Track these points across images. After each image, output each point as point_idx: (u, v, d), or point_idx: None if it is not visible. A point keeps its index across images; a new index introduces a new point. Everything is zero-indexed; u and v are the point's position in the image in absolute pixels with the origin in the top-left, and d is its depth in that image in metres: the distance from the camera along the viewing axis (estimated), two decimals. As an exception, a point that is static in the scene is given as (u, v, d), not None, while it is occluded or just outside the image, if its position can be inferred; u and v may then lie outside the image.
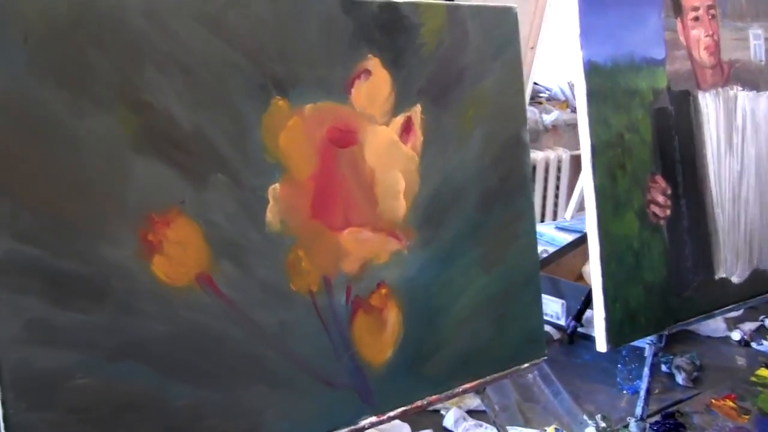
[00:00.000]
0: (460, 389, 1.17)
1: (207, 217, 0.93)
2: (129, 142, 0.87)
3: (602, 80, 1.27)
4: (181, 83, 0.90)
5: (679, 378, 1.64)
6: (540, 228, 2.28)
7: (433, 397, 1.14)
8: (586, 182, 1.25)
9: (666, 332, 1.38)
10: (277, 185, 0.98)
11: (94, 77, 0.85)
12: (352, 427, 1.05)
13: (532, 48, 2.13)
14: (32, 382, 0.82)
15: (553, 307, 1.77)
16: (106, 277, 0.86)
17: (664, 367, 1.68)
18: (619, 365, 1.60)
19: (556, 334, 1.77)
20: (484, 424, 1.40)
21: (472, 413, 1.45)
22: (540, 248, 2.16)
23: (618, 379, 1.60)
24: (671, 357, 1.69)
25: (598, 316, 1.26)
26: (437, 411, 1.47)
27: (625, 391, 1.58)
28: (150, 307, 0.89)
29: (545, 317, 1.79)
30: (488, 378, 1.19)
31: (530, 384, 1.58)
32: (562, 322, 1.77)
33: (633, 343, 1.47)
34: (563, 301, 1.76)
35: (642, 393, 1.39)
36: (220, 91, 0.94)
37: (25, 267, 0.81)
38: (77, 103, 0.84)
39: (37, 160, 0.82)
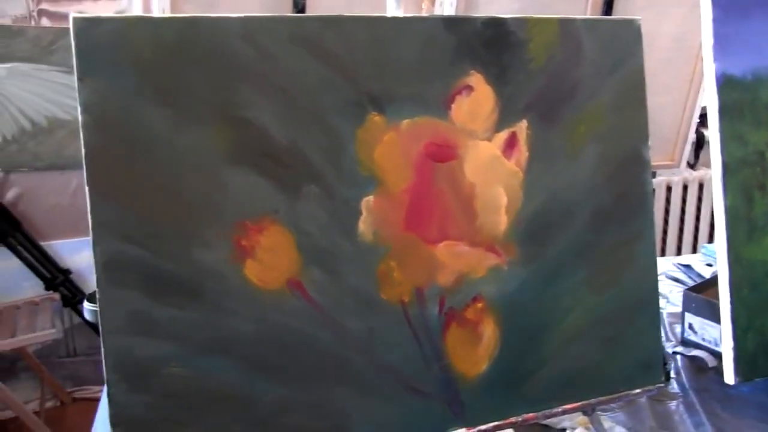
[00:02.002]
0: (560, 409, 1.14)
1: (299, 225, 0.99)
2: (226, 155, 0.95)
3: (739, 94, 1.18)
4: (276, 101, 0.97)
5: None
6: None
7: (530, 414, 1.13)
8: (716, 203, 1.18)
9: (815, 369, 1.26)
10: (371, 197, 1.02)
11: (195, 96, 0.94)
12: (440, 437, 1.08)
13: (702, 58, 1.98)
14: (132, 367, 0.92)
15: (711, 333, 1.66)
16: (201, 278, 0.95)
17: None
18: (775, 401, 1.47)
19: (711, 362, 1.65)
20: (609, 449, 1.36)
21: (600, 436, 1.41)
22: (713, 269, 2.05)
23: (774, 416, 1.47)
24: None
25: (726, 345, 1.19)
26: (564, 430, 1.44)
27: (780, 430, 1.45)
28: (241, 307, 0.97)
29: (702, 342, 1.69)
30: (593, 400, 1.16)
31: (671, 411, 1.49)
32: (720, 348, 1.66)
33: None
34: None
35: (785, 434, 1.28)
36: (315, 107, 0.99)
37: (129, 265, 0.92)
38: (179, 119, 0.93)
39: (142, 171, 0.92)
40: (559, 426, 1.45)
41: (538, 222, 1.12)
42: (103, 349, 0.91)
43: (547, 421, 1.41)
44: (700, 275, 2.01)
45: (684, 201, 2.94)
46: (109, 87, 0.90)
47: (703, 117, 2.58)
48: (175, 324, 0.94)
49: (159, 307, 0.93)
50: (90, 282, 2.96)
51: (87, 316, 1.31)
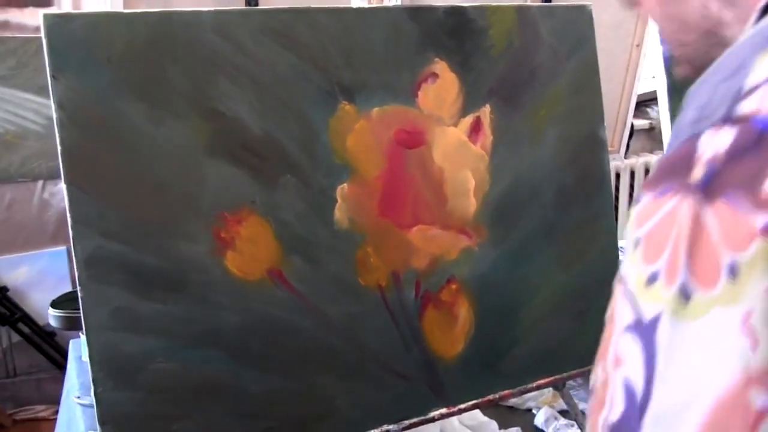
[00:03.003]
0: (535, 384, 1.18)
1: (277, 215, 1.00)
2: (203, 148, 0.95)
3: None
4: (251, 92, 0.98)
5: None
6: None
7: (506, 391, 1.16)
8: (669, 179, 1.23)
9: None
10: (345, 185, 1.04)
11: (170, 90, 0.94)
12: (422, 417, 1.09)
13: (637, 45, 2.07)
14: (118, 363, 0.92)
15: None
16: (184, 271, 0.95)
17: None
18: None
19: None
20: (576, 425, 1.40)
21: (565, 414, 1.45)
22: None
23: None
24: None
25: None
26: (529, 410, 1.47)
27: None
28: (224, 299, 0.97)
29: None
30: (565, 374, 1.20)
31: (630, 385, 1.55)
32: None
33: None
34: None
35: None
36: (288, 98, 1.00)
37: (111, 261, 0.91)
38: (155, 113, 0.93)
39: (121, 166, 0.92)
40: (524, 407, 1.49)
41: (506, 204, 1.16)
42: (87, 347, 0.91)
43: (512, 402, 1.45)
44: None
45: (617, 189, 3.04)
46: (83, 83, 0.89)
47: (637, 105, 2.68)
48: (160, 318, 0.94)
49: (143, 302, 0.93)
50: (28, 299, 2.87)
51: (52, 322, 1.28)
